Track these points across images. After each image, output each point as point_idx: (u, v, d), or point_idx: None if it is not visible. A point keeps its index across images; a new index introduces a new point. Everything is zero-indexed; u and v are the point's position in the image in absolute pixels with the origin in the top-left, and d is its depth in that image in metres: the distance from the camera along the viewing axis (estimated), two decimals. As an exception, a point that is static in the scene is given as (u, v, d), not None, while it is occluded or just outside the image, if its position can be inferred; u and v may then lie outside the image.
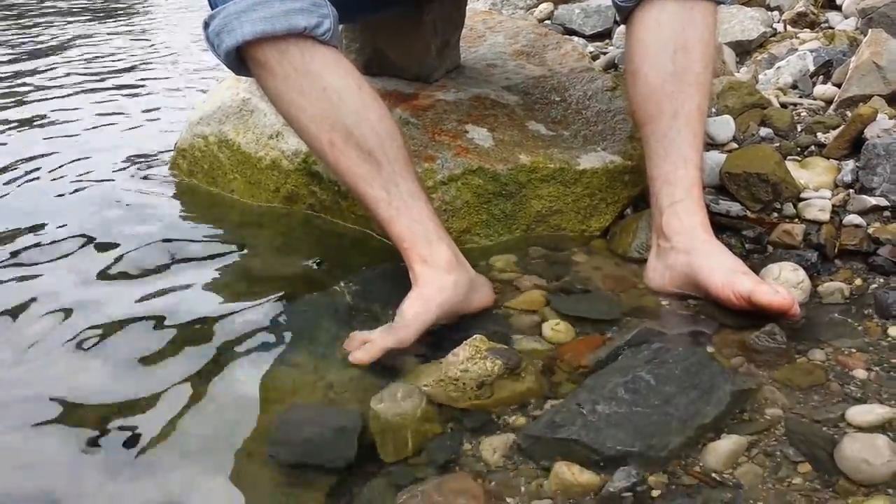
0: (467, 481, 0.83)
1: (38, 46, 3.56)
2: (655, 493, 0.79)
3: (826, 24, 2.29)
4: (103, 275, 1.33)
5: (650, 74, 1.22)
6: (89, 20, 4.34)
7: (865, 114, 1.44)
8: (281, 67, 1.12)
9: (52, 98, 2.58)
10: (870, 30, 1.80)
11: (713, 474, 0.81)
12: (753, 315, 1.06)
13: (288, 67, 1.12)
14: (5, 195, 1.71)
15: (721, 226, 1.31)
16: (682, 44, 1.21)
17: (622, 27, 1.36)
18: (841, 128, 1.49)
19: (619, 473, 0.80)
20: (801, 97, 1.81)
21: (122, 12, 4.75)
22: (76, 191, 1.73)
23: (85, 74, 2.96)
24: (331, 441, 0.90)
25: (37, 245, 1.45)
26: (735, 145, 1.55)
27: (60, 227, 1.52)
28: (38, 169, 1.86)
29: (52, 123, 2.27)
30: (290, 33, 1.10)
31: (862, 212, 1.30)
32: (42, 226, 1.53)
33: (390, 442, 0.89)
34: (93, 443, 0.94)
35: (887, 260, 1.21)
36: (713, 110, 1.66)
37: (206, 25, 1.15)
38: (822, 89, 1.79)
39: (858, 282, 1.19)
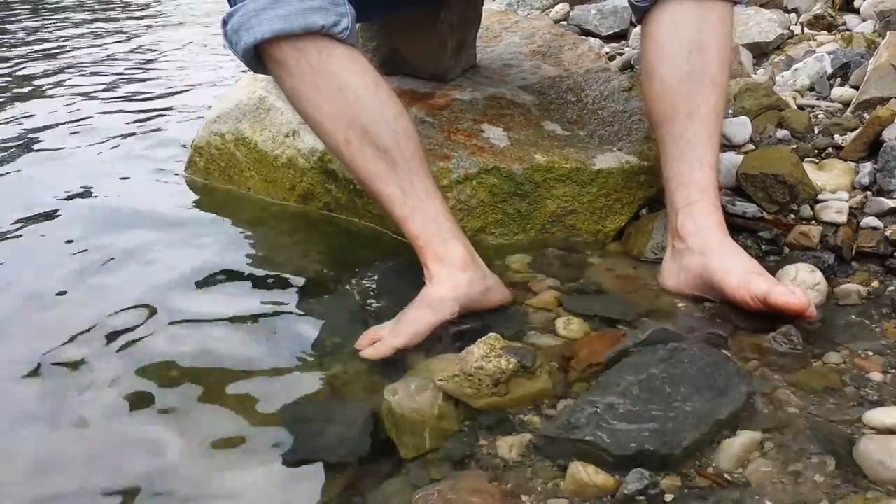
0: (482, 481, 0.83)
1: (49, 45, 3.59)
2: (669, 496, 0.79)
3: (844, 27, 2.28)
4: (113, 269, 1.34)
5: (666, 75, 1.22)
6: (102, 19, 4.37)
7: (883, 116, 1.43)
8: (298, 66, 1.13)
9: (65, 95, 2.60)
10: (888, 32, 1.80)
11: (726, 474, 0.81)
12: (769, 317, 1.06)
13: (305, 66, 1.13)
14: (22, 191, 1.72)
15: (737, 227, 1.30)
16: (699, 44, 1.20)
17: (639, 28, 1.36)
18: (858, 130, 1.48)
19: (632, 475, 0.80)
20: (818, 99, 1.80)
21: (137, 11, 4.78)
22: (90, 189, 1.74)
23: (99, 73, 2.97)
24: (342, 437, 0.91)
25: (43, 238, 1.47)
26: (752, 147, 1.55)
27: (73, 222, 1.54)
28: (50, 164, 1.88)
29: (65, 121, 2.28)
30: (307, 32, 1.11)
31: (879, 214, 1.30)
32: (54, 223, 1.54)
33: (408, 438, 0.90)
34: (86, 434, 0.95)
35: (905, 262, 1.20)
36: (730, 112, 1.65)
37: (225, 23, 1.15)
38: (840, 91, 1.78)
39: (875, 284, 1.19)
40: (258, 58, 1.16)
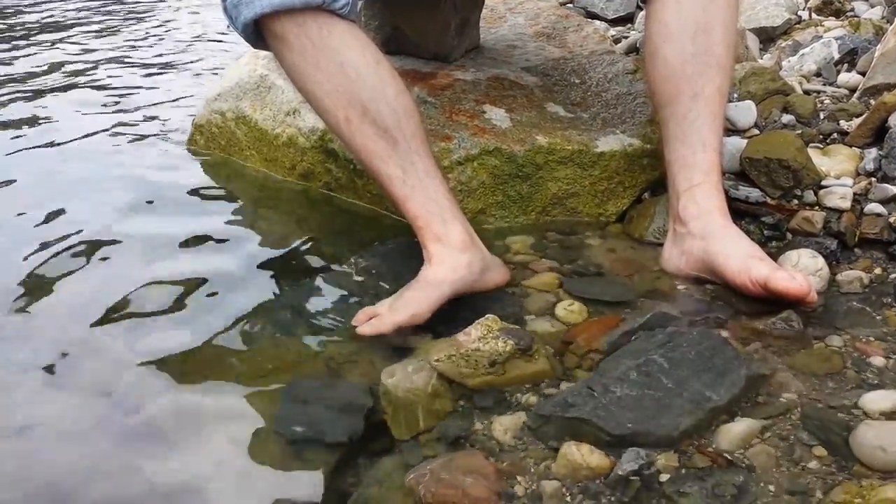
0: (477, 459, 0.82)
1: (54, 23, 3.57)
2: (664, 476, 0.78)
3: (852, 13, 2.26)
4: (114, 246, 1.34)
5: (670, 56, 1.20)
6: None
7: (890, 102, 1.41)
8: (298, 41, 1.12)
9: (67, 73, 2.58)
10: (896, 18, 1.78)
11: (725, 455, 0.80)
12: (770, 301, 1.05)
13: (305, 41, 1.11)
14: (24, 166, 1.72)
15: (740, 212, 1.29)
16: (704, 25, 1.19)
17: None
18: (864, 116, 1.46)
19: (628, 455, 0.79)
20: (824, 85, 1.78)
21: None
22: (90, 166, 1.73)
23: (102, 50, 2.96)
24: (338, 417, 0.90)
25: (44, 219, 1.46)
26: (756, 131, 1.53)
27: (71, 203, 1.52)
28: (50, 142, 1.87)
29: (65, 99, 2.27)
30: (307, 6, 1.09)
31: (884, 200, 1.28)
32: (50, 202, 1.53)
33: (402, 418, 0.89)
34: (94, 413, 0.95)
35: (908, 249, 1.19)
36: (735, 96, 1.64)
37: (225, -2, 1.14)
38: (847, 77, 1.76)
39: (878, 271, 1.18)
40: (258, 33, 1.14)
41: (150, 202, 1.52)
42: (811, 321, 1.04)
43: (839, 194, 1.30)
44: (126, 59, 2.83)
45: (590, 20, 2.24)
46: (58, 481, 0.85)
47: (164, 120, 2.05)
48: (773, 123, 1.56)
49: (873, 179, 1.34)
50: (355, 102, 1.13)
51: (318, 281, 1.23)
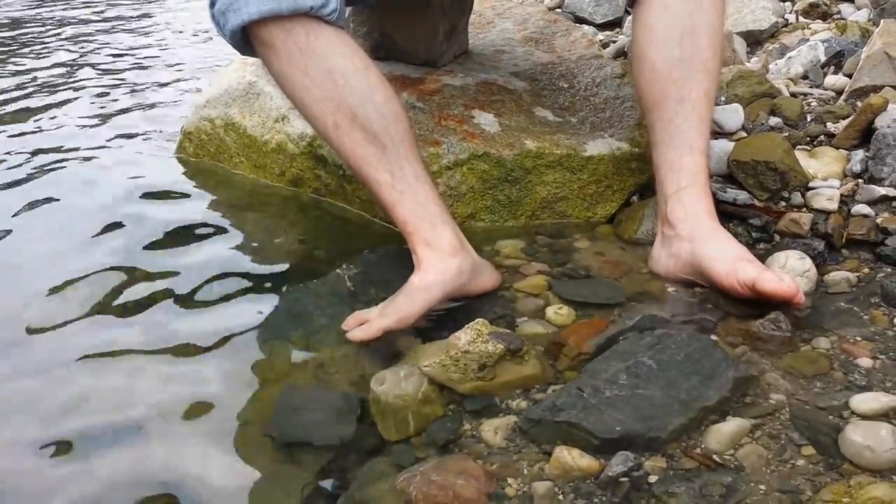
0: (467, 462, 0.82)
1: (39, 30, 3.56)
2: (653, 478, 0.79)
3: (838, 16, 2.27)
4: (102, 253, 1.33)
5: (657, 60, 1.21)
6: (90, 3, 4.34)
7: (876, 104, 1.42)
8: (286, 47, 1.12)
9: (55, 81, 2.58)
10: (882, 20, 1.79)
11: (714, 456, 0.81)
12: (758, 303, 1.05)
13: (293, 47, 1.11)
14: (17, 176, 1.71)
15: (728, 214, 1.30)
16: (690, 29, 1.19)
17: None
18: (851, 118, 1.47)
19: (617, 458, 0.80)
20: (811, 87, 1.79)
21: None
22: (77, 173, 1.73)
23: (89, 57, 2.95)
24: (329, 421, 0.90)
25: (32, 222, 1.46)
26: (744, 134, 1.54)
27: (58, 209, 1.52)
28: (40, 151, 1.86)
29: (55, 106, 2.26)
30: (295, 13, 1.09)
31: (870, 202, 1.29)
32: (37, 210, 1.53)
33: (392, 423, 0.89)
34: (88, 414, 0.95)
35: (895, 250, 1.19)
36: (722, 99, 1.65)
37: (212, 4, 1.14)
38: (833, 79, 1.77)
39: (866, 271, 1.18)
40: (246, 39, 1.14)
41: (138, 210, 1.51)
42: (799, 322, 1.04)
43: (826, 196, 1.30)
44: (115, 65, 2.83)
45: (578, 25, 2.25)
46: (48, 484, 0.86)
47: (153, 127, 2.05)
48: (761, 126, 1.57)
49: (860, 181, 1.34)
50: (343, 108, 1.13)
51: (309, 286, 1.22)
